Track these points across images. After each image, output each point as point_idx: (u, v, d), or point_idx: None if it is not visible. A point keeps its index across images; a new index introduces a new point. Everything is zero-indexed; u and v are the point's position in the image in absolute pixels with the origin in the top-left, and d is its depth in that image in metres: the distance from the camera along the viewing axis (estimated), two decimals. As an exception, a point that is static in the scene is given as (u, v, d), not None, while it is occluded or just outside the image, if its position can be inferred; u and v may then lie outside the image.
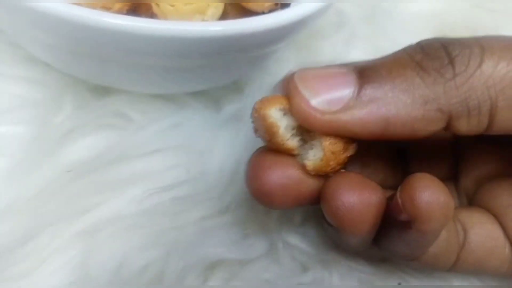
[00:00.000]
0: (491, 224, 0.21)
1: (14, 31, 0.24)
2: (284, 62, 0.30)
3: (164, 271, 0.23)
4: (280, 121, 0.18)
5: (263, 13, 0.24)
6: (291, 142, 0.19)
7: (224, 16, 0.24)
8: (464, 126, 0.18)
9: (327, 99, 0.17)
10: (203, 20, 0.22)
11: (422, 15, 0.34)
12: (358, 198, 0.18)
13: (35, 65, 0.27)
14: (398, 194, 0.18)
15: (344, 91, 0.17)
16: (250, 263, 0.24)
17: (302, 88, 0.18)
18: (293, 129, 0.19)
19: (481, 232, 0.21)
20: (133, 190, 0.24)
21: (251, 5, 0.24)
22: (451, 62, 0.17)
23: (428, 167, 0.24)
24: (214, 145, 0.26)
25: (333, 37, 0.31)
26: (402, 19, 0.33)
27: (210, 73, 0.24)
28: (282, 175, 0.19)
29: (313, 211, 0.25)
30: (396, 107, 0.17)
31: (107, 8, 0.21)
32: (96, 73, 0.25)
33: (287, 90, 0.18)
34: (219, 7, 0.23)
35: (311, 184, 0.19)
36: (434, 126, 0.18)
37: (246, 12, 0.24)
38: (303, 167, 0.19)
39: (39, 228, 0.23)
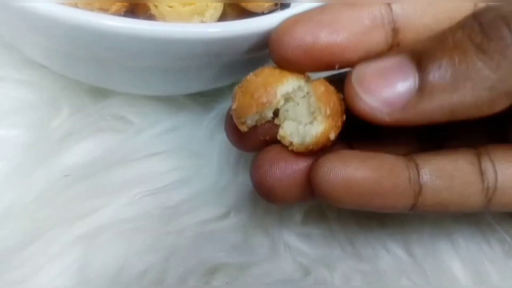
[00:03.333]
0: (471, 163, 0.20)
1: (11, 33, 0.23)
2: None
3: (164, 275, 0.23)
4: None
5: (262, 13, 0.24)
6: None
7: (223, 17, 0.23)
8: None
9: (389, 99, 0.17)
10: (201, 21, 0.22)
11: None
12: (279, 172, 0.19)
13: (32, 68, 0.26)
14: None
15: (405, 85, 0.17)
16: (250, 267, 0.24)
17: (362, 92, 0.17)
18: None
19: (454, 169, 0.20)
20: (132, 194, 0.24)
21: (251, 6, 0.24)
22: None
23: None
24: (212, 148, 0.26)
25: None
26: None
27: (209, 74, 0.24)
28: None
29: (313, 210, 0.25)
30: (462, 95, 0.17)
31: (104, 10, 0.21)
32: (93, 76, 0.25)
33: (347, 94, 0.18)
34: (218, 8, 0.23)
35: None
36: (500, 106, 0.17)
37: (245, 13, 0.24)
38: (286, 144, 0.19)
39: (37, 233, 0.23)
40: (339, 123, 0.19)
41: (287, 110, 0.20)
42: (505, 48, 0.16)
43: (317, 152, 0.19)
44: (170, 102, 0.27)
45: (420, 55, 0.17)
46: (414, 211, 0.20)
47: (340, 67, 0.19)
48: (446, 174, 0.20)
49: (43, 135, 0.25)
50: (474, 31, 0.17)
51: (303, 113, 0.19)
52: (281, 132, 0.20)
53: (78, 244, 0.23)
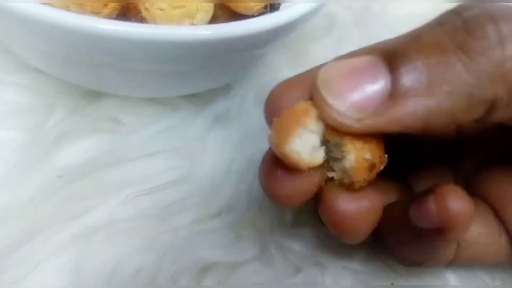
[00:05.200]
0: (486, 217, 0.20)
1: (6, 37, 0.24)
2: (275, 65, 0.30)
3: (157, 274, 0.23)
4: (305, 154, 0.16)
5: (252, 16, 0.24)
6: (318, 159, 0.17)
7: (213, 20, 0.24)
8: (505, 115, 0.16)
9: (358, 103, 0.15)
10: (192, 24, 0.22)
11: (412, 17, 0.34)
12: (354, 205, 0.17)
13: (27, 71, 0.27)
14: (423, 203, 0.16)
15: (375, 87, 0.15)
16: (242, 266, 0.24)
17: (328, 95, 0.16)
18: (318, 145, 0.17)
19: (476, 227, 0.20)
20: (126, 194, 0.24)
21: (241, 9, 0.24)
22: (502, 42, 0.15)
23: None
24: (205, 149, 0.26)
25: (323, 40, 0.31)
26: (391, 22, 0.33)
27: (201, 76, 0.24)
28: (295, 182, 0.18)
29: (305, 210, 0.25)
30: (438, 100, 0.15)
31: (96, 13, 0.21)
32: (88, 78, 0.25)
33: (312, 96, 0.16)
34: (209, 11, 0.23)
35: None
36: (476, 114, 0.16)
37: (236, 16, 0.24)
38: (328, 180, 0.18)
39: (31, 234, 0.23)
40: (374, 142, 0.17)
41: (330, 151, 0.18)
42: (489, 50, 0.15)
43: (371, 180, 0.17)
44: (163, 103, 0.27)
45: (392, 54, 0.15)
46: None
47: None
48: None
49: (38, 137, 0.25)
50: (455, 29, 0.15)
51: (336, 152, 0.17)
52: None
53: (72, 244, 0.23)
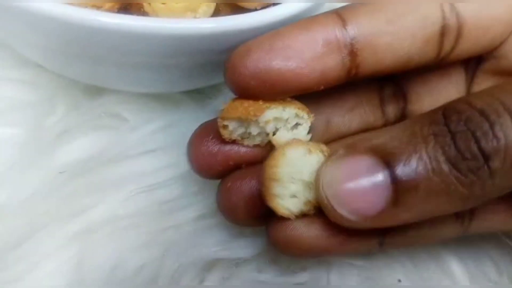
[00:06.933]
0: None
1: (6, 32, 0.23)
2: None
3: (160, 271, 0.23)
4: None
5: (255, 10, 0.24)
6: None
7: (216, 14, 0.23)
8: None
9: (364, 211, 0.17)
10: (194, 18, 0.22)
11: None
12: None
13: (27, 67, 0.27)
14: None
15: (380, 199, 0.16)
16: (246, 262, 0.24)
17: (337, 205, 0.17)
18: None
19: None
20: (128, 191, 0.24)
21: (243, 3, 0.24)
22: (487, 161, 0.16)
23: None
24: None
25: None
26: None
27: (203, 71, 0.24)
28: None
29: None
30: (437, 207, 0.17)
31: (97, 7, 0.21)
32: (88, 73, 0.25)
33: (319, 198, 0.18)
34: (211, 5, 0.23)
35: None
36: (468, 207, 0.18)
37: (238, 10, 0.24)
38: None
39: (33, 230, 0.23)
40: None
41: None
42: (478, 169, 0.16)
43: None
44: (165, 99, 0.27)
45: (391, 161, 0.16)
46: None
47: (296, 93, 0.19)
48: None
49: (39, 133, 0.25)
50: (446, 143, 0.16)
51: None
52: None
53: (74, 240, 0.23)
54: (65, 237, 0.23)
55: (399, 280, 0.25)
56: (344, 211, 0.17)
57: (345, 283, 0.24)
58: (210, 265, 0.24)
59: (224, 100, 0.25)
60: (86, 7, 0.21)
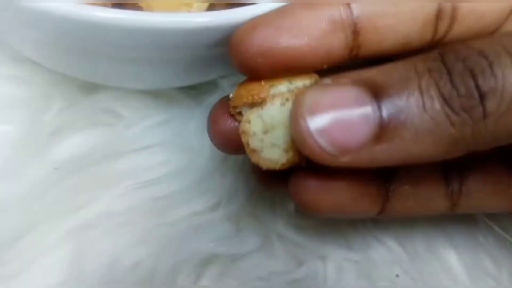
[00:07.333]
0: None
1: (1, 28, 0.23)
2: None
3: (156, 267, 0.23)
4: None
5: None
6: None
7: (210, 9, 0.23)
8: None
9: (345, 145, 0.16)
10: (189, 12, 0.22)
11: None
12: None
13: (23, 63, 0.26)
14: None
15: (365, 133, 0.16)
16: (243, 258, 0.24)
17: (317, 135, 0.16)
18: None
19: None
20: (124, 187, 0.24)
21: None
22: (482, 100, 0.15)
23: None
24: (204, 140, 0.26)
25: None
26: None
27: (199, 67, 0.24)
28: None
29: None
30: (421, 148, 0.16)
31: (91, 2, 0.21)
32: (84, 70, 0.25)
33: (296, 128, 0.16)
34: (205, 0, 0.23)
35: None
36: (458, 155, 0.17)
37: (234, 5, 0.24)
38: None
39: (29, 227, 0.23)
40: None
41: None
42: (472, 108, 0.15)
43: None
44: (161, 95, 0.27)
45: (380, 93, 0.16)
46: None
47: (300, 72, 0.19)
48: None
49: (35, 130, 0.25)
50: (442, 79, 0.16)
51: None
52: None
53: (70, 237, 0.23)
54: (61, 234, 0.23)
55: (397, 275, 0.25)
56: (322, 139, 0.16)
57: (342, 278, 0.24)
58: (206, 261, 0.23)
59: (220, 95, 0.25)
60: (80, 2, 0.21)
